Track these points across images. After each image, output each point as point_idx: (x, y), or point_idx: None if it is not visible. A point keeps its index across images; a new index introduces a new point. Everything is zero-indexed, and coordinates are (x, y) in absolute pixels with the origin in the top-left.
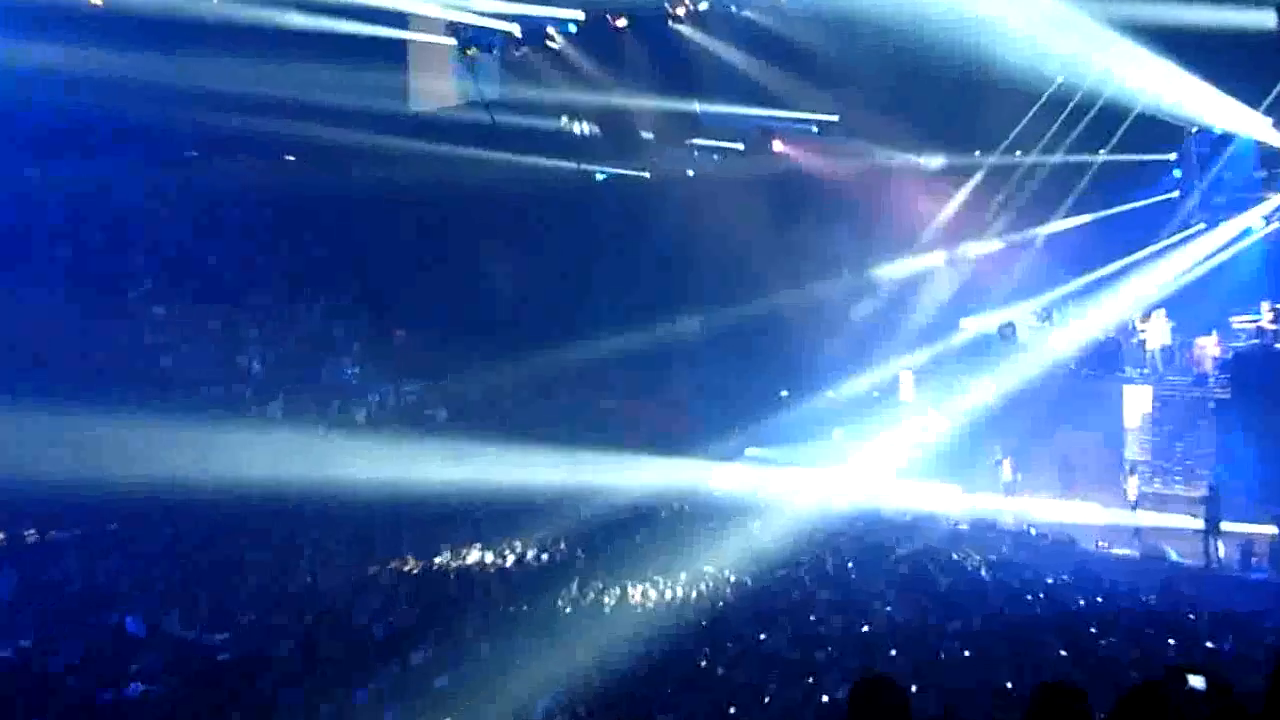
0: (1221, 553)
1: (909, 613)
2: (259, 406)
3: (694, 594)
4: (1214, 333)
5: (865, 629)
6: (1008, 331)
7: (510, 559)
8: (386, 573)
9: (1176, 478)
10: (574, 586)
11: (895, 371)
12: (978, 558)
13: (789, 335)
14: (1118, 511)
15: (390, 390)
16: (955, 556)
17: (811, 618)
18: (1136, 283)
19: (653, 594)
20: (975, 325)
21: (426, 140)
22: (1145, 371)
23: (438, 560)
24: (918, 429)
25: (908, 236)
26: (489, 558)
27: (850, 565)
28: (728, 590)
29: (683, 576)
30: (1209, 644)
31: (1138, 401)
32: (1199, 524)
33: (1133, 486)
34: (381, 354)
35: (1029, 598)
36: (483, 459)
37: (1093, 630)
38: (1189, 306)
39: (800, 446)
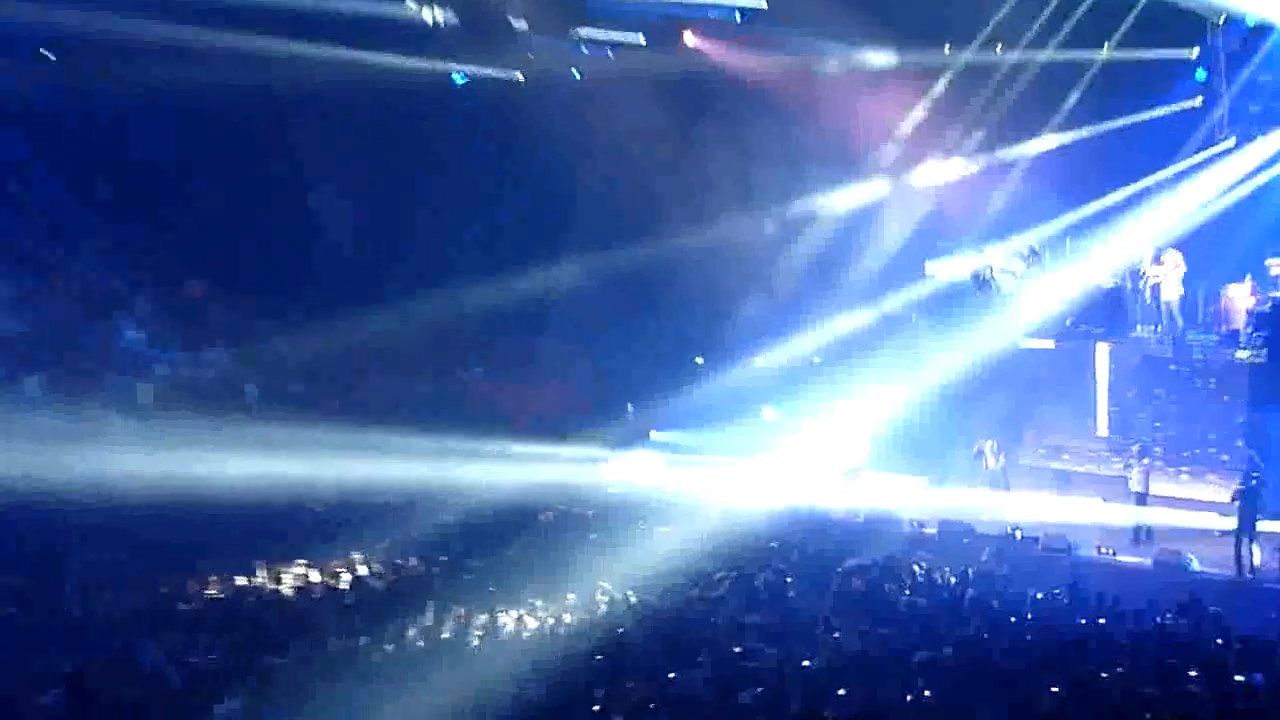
0: (1257, 559)
1: (862, 641)
2: (11, 381)
3: (585, 621)
4: (1247, 279)
5: (806, 663)
6: (985, 279)
7: (345, 579)
8: (181, 599)
9: (1198, 465)
10: (429, 614)
11: (842, 332)
12: (949, 570)
13: (704, 286)
14: (1123, 508)
15: (185, 360)
16: (920, 569)
17: (737, 649)
18: (1148, 216)
19: (532, 622)
20: (944, 271)
21: (234, 31)
22: (1157, 329)
23: (249, 582)
24: (872, 406)
25: (854, 157)
26: (317, 578)
27: (788, 582)
28: (629, 615)
29: (570, 599)
30: (1240, 677)
31: (1149, 367)
32: (1228, 523)
33: (1139, 475)
34: (173, 313)
35: (1013, 620)
36: (307, 449)
37: (1094, 661)
38: (1215, 246)
39: (720, 430)
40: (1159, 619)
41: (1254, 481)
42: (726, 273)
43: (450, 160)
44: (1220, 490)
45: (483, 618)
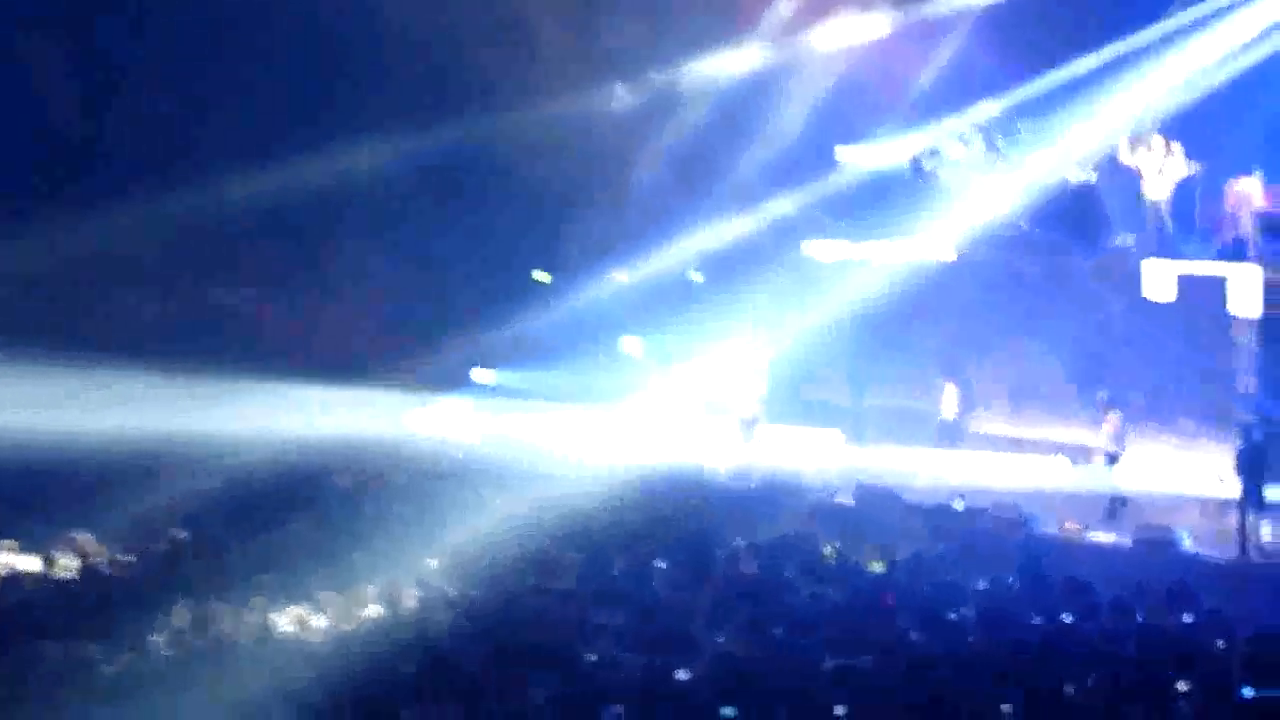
0: (1266, 536)
1: (753, 646)
2: None
3: (389, 621)
4: (1257, 172)
5: (681, 674)
6: (926, 163)
7: (64, 566)
8: None
9: (1189, 417)
10: (180, 613)
11: (727, 241)
12: (869, 552)
13: (544, 180)
14: (1095, 471)
15: None
16: (830, 551)
17: (590, 657)
18: (1133, 85)
19: (318, 622)
20: (863, 159)
21: None
22: (1140, 237)
23: None
24: (769, 339)
25: (738, 11)
26: (24, 565)
27: (656, 568)
28: (446, 612)
29: (370, 590)
30: (1248, 690)
31: (1127, 287)
32: (1229, 491)
33: (1111, 430)
34: None
35: (952, 616)
36: (13, 393)
37: (1057, 670)
38: (1215, 130)
39: (567, 368)
40: (1140, 614)
41: (1259, 437)
42: (572, 163)
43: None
44: (1214, 449)
45: (252, 617)
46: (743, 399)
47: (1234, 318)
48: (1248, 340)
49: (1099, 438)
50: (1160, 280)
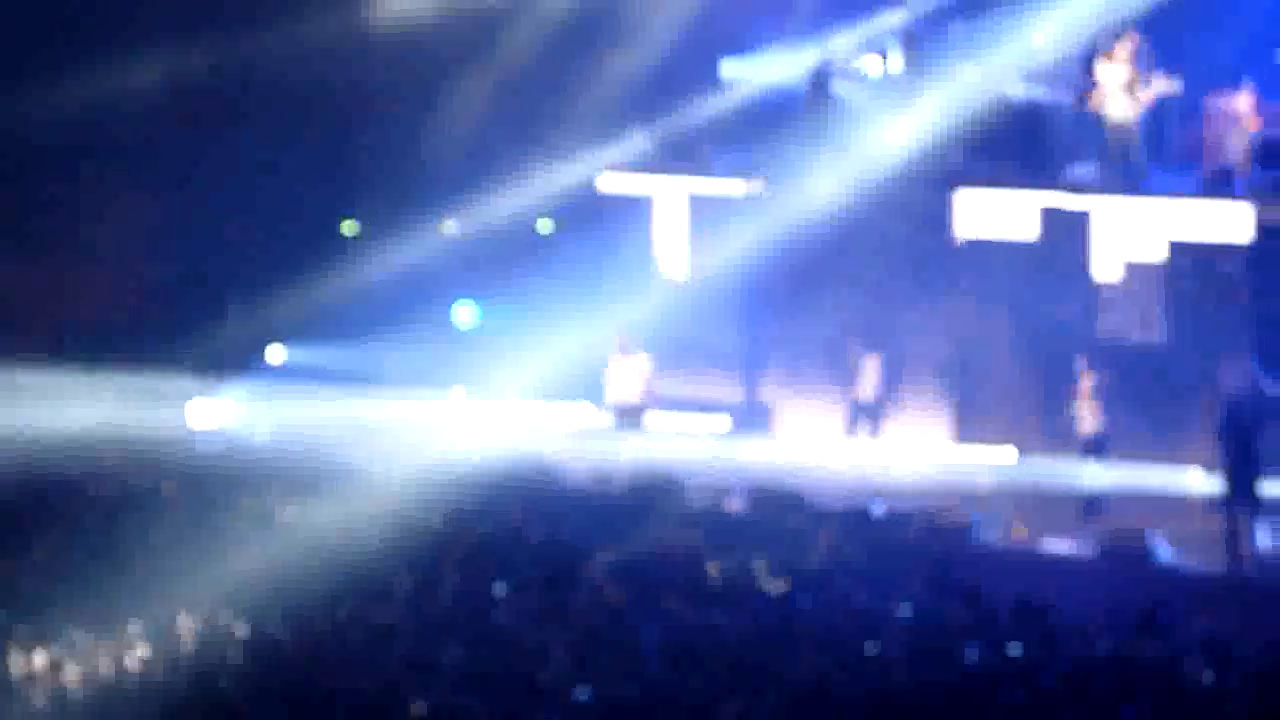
0: (1262, 541)
1: (627, 686)
2: None
3: (161, 664)
4: (1246, 85)
5: None
6: (831, 80)
7: None
8: None
9: (1172, 406)
10: None
11: (582, 179)
12: (766, 567)
13: (349, 105)
14: (1061, 463)
15: None
16: (718, 567)
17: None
18: None
19: (70, 667)
20: (750, 74)
21: None
22: (1102, 168)
23: None
24: (640, 304)
25: None
26: None
27: (498, 595)
28: (234, 653)
29: (134, 629)
30: None
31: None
32: (1213, 484)
33: (1086, 411)
34: None
35: (871, 649)
36: None
37: (1001, 716)
38: (1192, 33)
39: (383, 343)
40: (1105, 647)
41: (1248, 417)
42: (385, 84)
43: None
44: (1191, 432)
45: None
46: (618, 380)
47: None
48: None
49: (1080, 420)
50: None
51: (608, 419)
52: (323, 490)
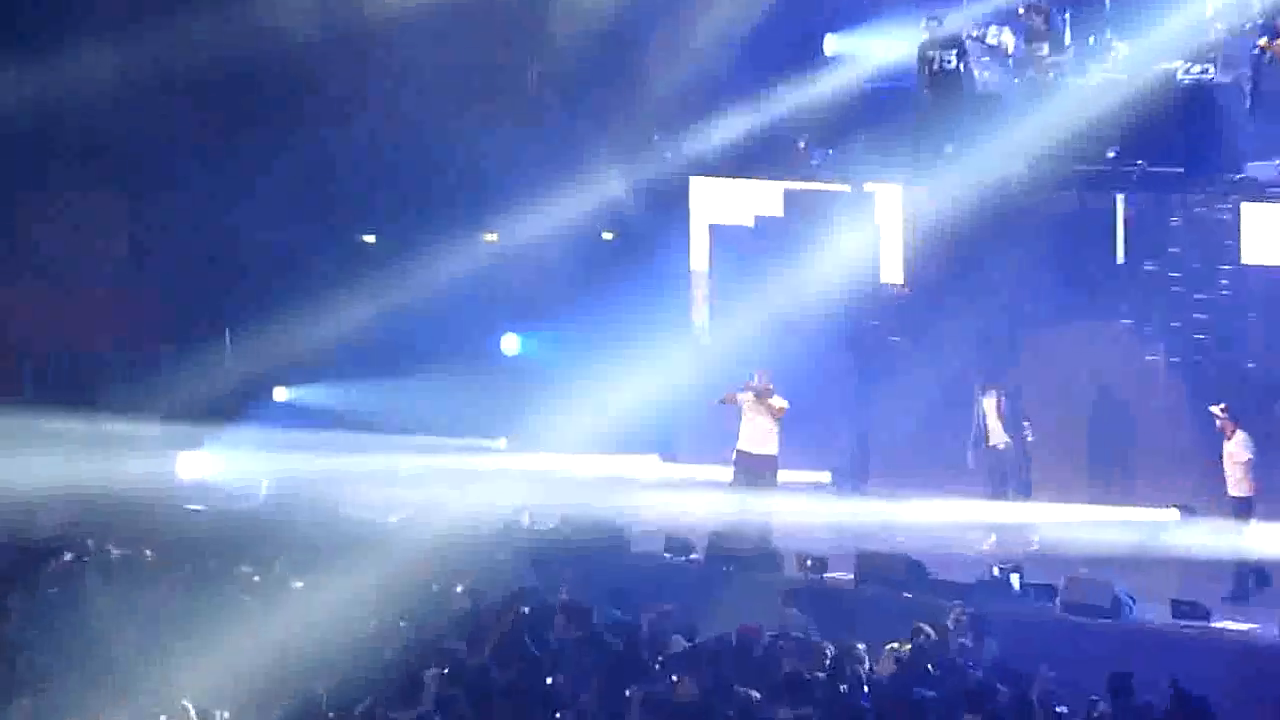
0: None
1: None
2: None
3: None
4: None
5: None
6: (945, 66)
7: None
8: None
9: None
10: None
11: (654, 177)
12: (884, 652)
13: (368, 90)
14: (1220, 526)
15: None
16: (829, 650)
17: None
18: None
19: None
20: (858, 50)
21: None
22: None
23: None
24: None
25: None
26: None
27: (558, 686)
28: None
29: None
30: None
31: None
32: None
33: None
34: None
35: None
36: None
37: None
38: None
39: (414, 379)
40: None
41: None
42: (410, 65)
43: None
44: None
45: None
46: (750, 427)
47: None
48: None
49: (1232, 480)
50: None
51: (730, 473)
52: (336, 558)
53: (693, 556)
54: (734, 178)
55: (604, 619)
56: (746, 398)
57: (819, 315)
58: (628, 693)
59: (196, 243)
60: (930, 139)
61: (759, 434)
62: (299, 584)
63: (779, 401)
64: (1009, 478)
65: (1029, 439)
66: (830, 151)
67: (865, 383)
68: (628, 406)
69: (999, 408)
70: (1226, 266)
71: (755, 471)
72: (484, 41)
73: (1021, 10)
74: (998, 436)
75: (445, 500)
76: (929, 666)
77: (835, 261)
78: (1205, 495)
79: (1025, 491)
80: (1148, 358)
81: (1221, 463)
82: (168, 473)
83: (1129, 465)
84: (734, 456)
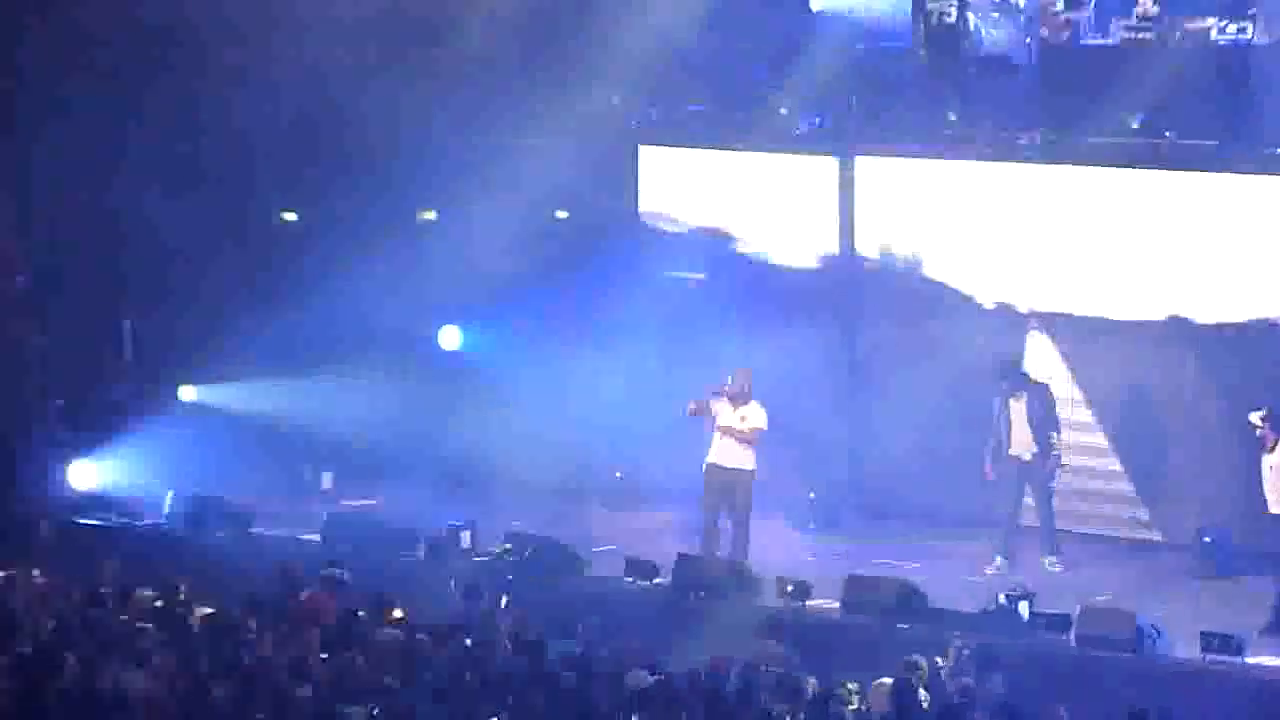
0: None
1: None
2: None
3: None
4: None
5: None
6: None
7: None
8: None
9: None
10: None
11: (624, 144)
12: (870, 688)
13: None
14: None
15: None
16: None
17: None
18: None
19: None
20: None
21: None
22: None
23: None
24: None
25: None
26: None
27: None
28: None
29: None
30: None
31: None
32: None
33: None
34: None
35: None
36: None
37: None
38: None
39: (339, 375)
40: None
41: None
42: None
43: None
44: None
45: None
46: (722, 437)
47: None
48: None
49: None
50: None
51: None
52: (250, 582)
53: (657, 581)
54: (704, 149)
55: (556, 651)
56: (721, 406)
57: (799, 306)
58: None
59: (83, 223)
60: (930, 104)
61: (732, 444)
62: (207, 610)
63: (755, 419)
64: (1042, 489)
65: (1056, 452)
66: (818, 119)
67: (856, 385)
68: (587, 410)
69: (1028, 412)
70: None
71: (728, 486)
72: None
73: None
74: (1023, 445)
75: (374, 516)
76: (924, 707)
77: (818, 243)
78: (1241, 513)
79: (1046, 511)
80: (1177, 359)
81: (1259, 477)
82: (58, 483)
83: (1155, 479)
84: (704, 469)
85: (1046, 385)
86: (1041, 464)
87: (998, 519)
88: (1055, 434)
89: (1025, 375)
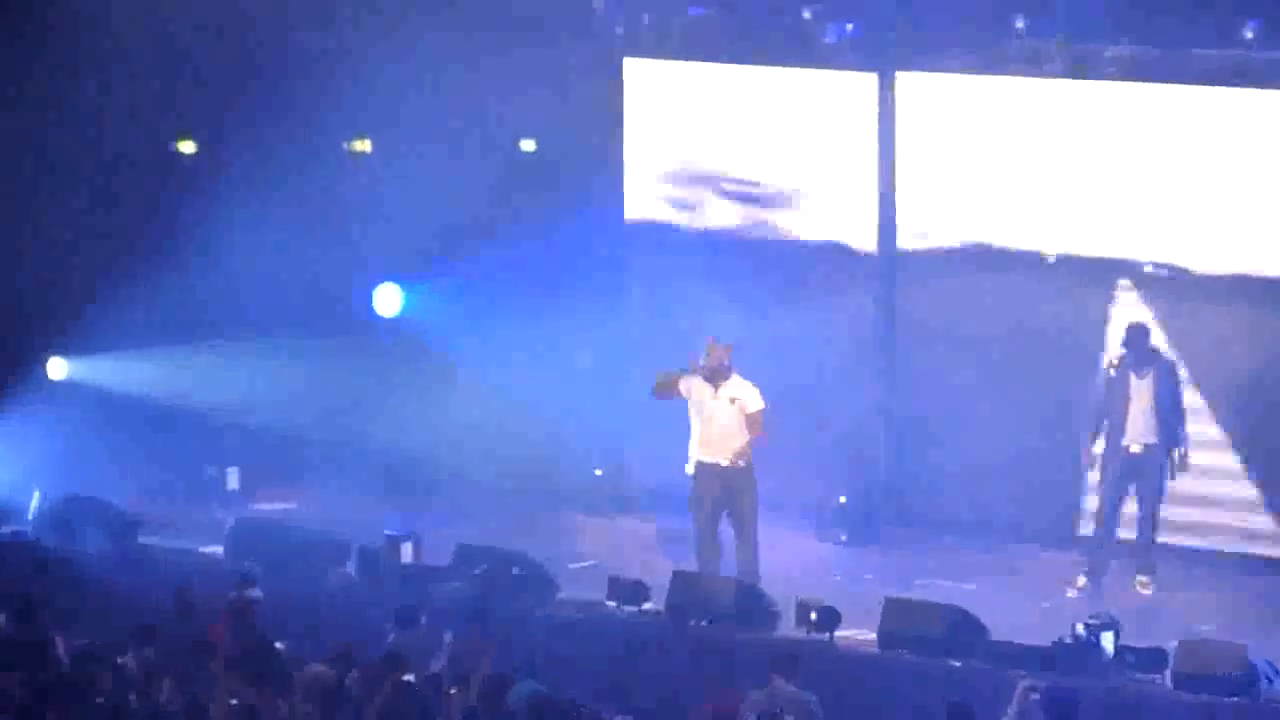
0: None
1: None
2: None
3: None
4: None
5: None
6: None
7: None
8: None
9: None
10: None
11: (605, 60)
12: None
13: None
14: None
15: None
16: None
17: None
18: None
19: None
20: None
21: None
22: None
23: None
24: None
25: None
26: None
27: None
28: None
29: None
30: None
31: None
32: None
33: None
34: None
35: None
36: None
37: None
38: None
39: (251, 349)
40: None
41: None
42: None
43: None
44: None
45: None
46: (706, 425)
47: None
48: None
49: None
50: None
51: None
52: (136, 606)
53: (646, 606)
54: (705, 63)
55: (518, 694)
56: (695, 385)
57: (823, 266)
58: None
59: None
60: (989, 9)
61: (721, 436)
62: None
63: (749, 400)
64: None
65: (1183, 448)
66: (850, 27)
67: (893, 365)
68: (554, 389)
69: (1155, 394)
70: None
71: (729, 489)
72: None
73: None
74: (1139, 435)
75: (291, 523)
76: None
77: (847, 184)
78: None
79: (1152, 520)
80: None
81: None
82: None
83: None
84: (693, 470)
85: (1174, 363)
86: (1160, 459)
87: (1071, 526)
88: (1182, 426)
89: (1155, 349)
